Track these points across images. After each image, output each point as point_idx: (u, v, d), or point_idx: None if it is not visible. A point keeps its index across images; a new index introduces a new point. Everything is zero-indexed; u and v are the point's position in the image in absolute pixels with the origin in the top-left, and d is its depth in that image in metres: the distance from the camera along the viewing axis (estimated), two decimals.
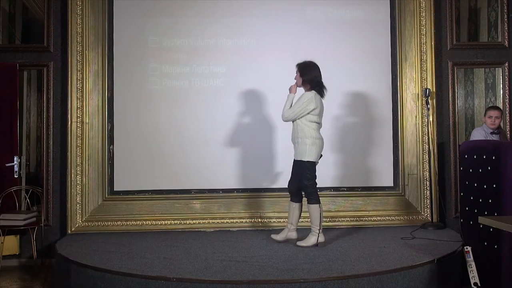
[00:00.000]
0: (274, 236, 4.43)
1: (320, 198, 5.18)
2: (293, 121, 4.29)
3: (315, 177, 4.28)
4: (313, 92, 4.25)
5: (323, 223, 4.33)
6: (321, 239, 4.24)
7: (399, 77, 5.29)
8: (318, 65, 4.32)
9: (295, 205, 4.38)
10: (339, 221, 5.12)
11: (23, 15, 6.69)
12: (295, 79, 4.36)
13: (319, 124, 4.29)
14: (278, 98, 5.17)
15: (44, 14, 5.24)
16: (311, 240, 4.24)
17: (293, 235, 4.37)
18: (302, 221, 4.88)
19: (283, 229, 4.47)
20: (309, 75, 4.27)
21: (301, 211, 4.41)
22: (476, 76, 6.36)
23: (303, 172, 4.24)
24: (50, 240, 5.06)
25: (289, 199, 4.41)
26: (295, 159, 4.30)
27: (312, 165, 4.25)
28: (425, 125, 5.20)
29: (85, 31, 5.11)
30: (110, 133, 5.17)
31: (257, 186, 5.20)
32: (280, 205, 5.14)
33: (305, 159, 4.22)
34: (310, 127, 4.22)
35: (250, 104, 5.24)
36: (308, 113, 4.20)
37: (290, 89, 4.37)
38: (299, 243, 4.27)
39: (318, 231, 4.22)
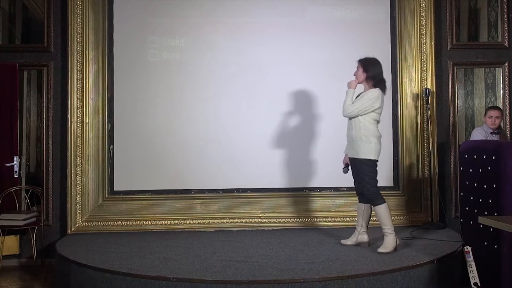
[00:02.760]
0: (344, 241, 4.32)
1: (325, 198, 5.21)
2: (350, 118, 4.14)
3: (376, 176, 4.16)
4: (378, 90, 4.10)
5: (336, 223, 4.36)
6: (398, 241, 4.12)
7: (399, 77, 5.28)
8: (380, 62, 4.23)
9: (365, 206, 4.23)
10: (339, 221, 5.12)
11: (23, 15, 6.69)
12: (354, 74, 4.20)
13: (379, 122, 4.19)
14: (278, 98, 5.22)
15: (44, 14, 5.25)
16: (389, 243, 4.05)
17: (364, 238, 4.27)
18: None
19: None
20: (373, 72, 4.13)
21: (371, 212, 4.25)
22: (476, 76, 6.36)
23: (365, 172, 4.07)
24: (50, 240, 5.06)
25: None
26: (357, 157, 4.09)
27: (375, 165, 4.10)
28: (425, 125, 5.20)
29: (85, 31, 5.11)
30: (110, 133, 5.17)
31: (257, 186, 5.20)
32: (280, 205, 5.15)
33: (372, 157, 4.05)
34: (374, 125, 4.10)
35: (250, 103, 5.24)
36: (373, 111, 4.07)
37: (349, 85, 4.19)
38: (380, 250, 4.04)
39: (392, 231, 4.08)
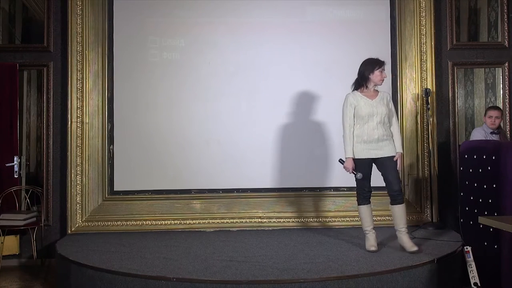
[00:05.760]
0: (372, 248, 4.10)
1: (325, 198, 5.20)
2: (383, 122, 4.08)
3: None
4: None
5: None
6: None
7: (399, 77, 5.28)
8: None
9: (369, 208, 4.18)
10: (339, 221, 5.12)
11: (23, 15, 6.69)
12: (384, 77, 4.15)
13: None
14: (278, 98, 5.22)
15: (44, 14, 5.25)
16: (410, 240, 4.06)
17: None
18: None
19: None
20: None
21: None
22: (476, 76, 6.36)
23: (396, 168, 4.09)
24: (50, 240, 5.07)
25: (357, 203, 4.18)
26: (391, 155, 4.05)
27: None
28: (425, 125, 5.20)
29: (85, 31, 5.11)
30: (110, 133, 5.17)
31: (257, 186, 5.20)
32: (280, 205, 5.15)
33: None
34: None
35: (250, 103, 5.24)
36: None
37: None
38: (412, 249, 3.97)
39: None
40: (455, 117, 5.39)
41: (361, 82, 4.14)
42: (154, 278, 3.43)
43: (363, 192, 4.13)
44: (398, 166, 4.10)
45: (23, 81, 6.53)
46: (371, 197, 4.18)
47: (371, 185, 4.17)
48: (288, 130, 5.23)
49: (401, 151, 4.16)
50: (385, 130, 4.08)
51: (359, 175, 4.05)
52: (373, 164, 4.13)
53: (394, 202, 4.07)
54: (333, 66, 5.26)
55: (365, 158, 4.07)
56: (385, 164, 4.07)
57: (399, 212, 4.05)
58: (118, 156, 5.18)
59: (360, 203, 4.16)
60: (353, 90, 4.19)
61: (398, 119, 4.18)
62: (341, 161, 4.16)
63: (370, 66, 4.09)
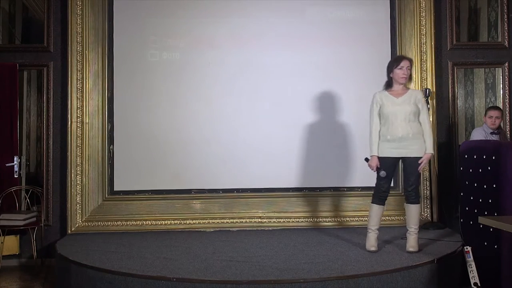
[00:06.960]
0: (372, 248, 4.11)
1: (325, 198, 5.19)
2: (408, 120, 4.00)
3: None
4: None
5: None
6: None
7: None
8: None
9: (382, 208, 4.18)
10: (339, 221, 5.12)
11: (23, 15, 6.69)
12: (407, 73, 4.07)
13: None
14: (279, 98, 5.22)
15: (44, 14, 5.25)
16: (417, 242, 4.06)
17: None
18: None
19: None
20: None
21: None
22: (476, 76, 6.36)
23: (417, 169, 4.05)
24: (50, 240, 5.06)
25: (371, 201, 4.17)
26: (416, 156, 4.01)
27: None
28: None
29: (85, 31, 5.11)
30: (110, 133, 5.17)
31: (257, 186, 5.19)
32: (280, 205, 5.15)
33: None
34: None
35: (251, 104, 5.24)
36: None
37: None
38: (411, 249, 4.02)
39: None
40: (455, 117, 5.39)
41: (388, 82, 4.16)
42: (154, 278, 3.43)
43: (379, 192, 4.13)
44: (420, 167, 4.03)
45: (23, 81, 6.53)
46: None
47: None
48: (287, 130, 5.22)
49: (431, 152, 4.05)
50: (411, 129, 4.01)
51: (383, 172, 4.05)
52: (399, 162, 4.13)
53: (406, 201, 4.12)
54: (333, 66, 5.26)
55: (389, 157, 4.05)
56: (408, 163, 4.06)
57: (409, 212, 4.09)
58: (118, 156, 5.17)
59: (373, 201, 4.17)
60: (383, 90, 4.18)
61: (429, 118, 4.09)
62: (366, 159, 4.18)
63: (390, 65, 4.13)
